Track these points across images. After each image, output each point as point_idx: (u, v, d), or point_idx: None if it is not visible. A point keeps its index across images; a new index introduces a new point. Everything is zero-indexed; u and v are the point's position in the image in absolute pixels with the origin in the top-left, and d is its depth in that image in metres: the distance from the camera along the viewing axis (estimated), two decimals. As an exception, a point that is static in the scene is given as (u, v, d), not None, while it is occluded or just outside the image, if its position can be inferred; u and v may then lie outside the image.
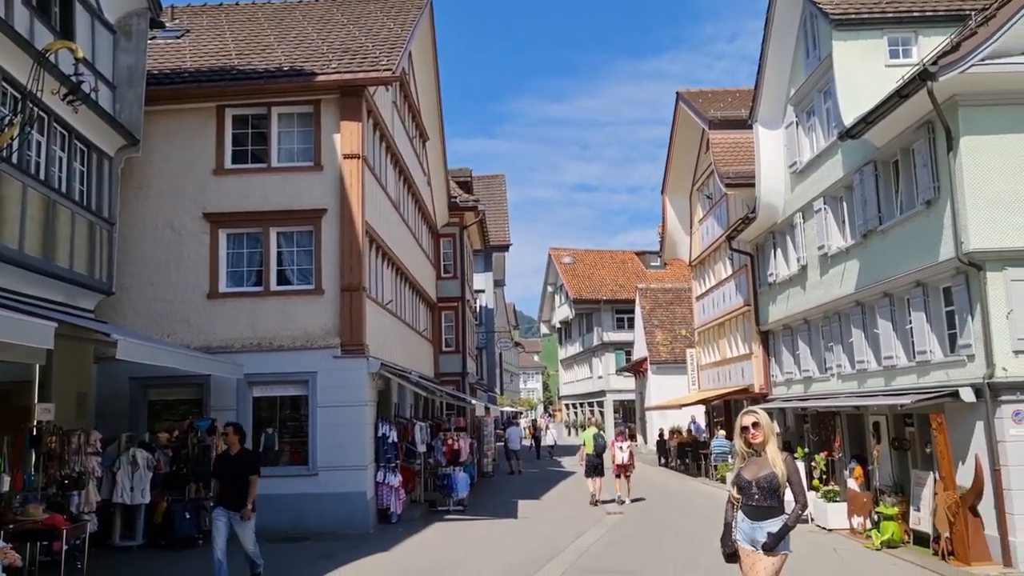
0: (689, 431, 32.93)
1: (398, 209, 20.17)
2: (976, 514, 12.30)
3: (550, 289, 59.81)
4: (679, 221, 31.75)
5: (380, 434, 16.07)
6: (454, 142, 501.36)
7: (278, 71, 16.08)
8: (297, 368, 15.36)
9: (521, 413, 59.28)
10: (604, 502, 19.63)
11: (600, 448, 20.15)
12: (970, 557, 12.00)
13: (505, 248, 39.13)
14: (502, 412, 42.62)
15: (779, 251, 21.36)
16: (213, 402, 15.19)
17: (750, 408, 6.53)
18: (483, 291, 36.88)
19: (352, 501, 15.00)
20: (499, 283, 44.15)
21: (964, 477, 12.68)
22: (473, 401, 26.28)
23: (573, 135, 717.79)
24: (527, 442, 40.16)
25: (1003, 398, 12.03)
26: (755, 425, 6.26)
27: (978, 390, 12.29)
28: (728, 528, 6.34)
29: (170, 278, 15.61)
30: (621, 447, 20.14)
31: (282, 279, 15.90)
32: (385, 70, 15.99)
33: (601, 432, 21.20)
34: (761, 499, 6.13)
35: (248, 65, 16.49)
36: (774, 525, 6.08)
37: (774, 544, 6.03)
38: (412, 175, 21.99)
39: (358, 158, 15.80)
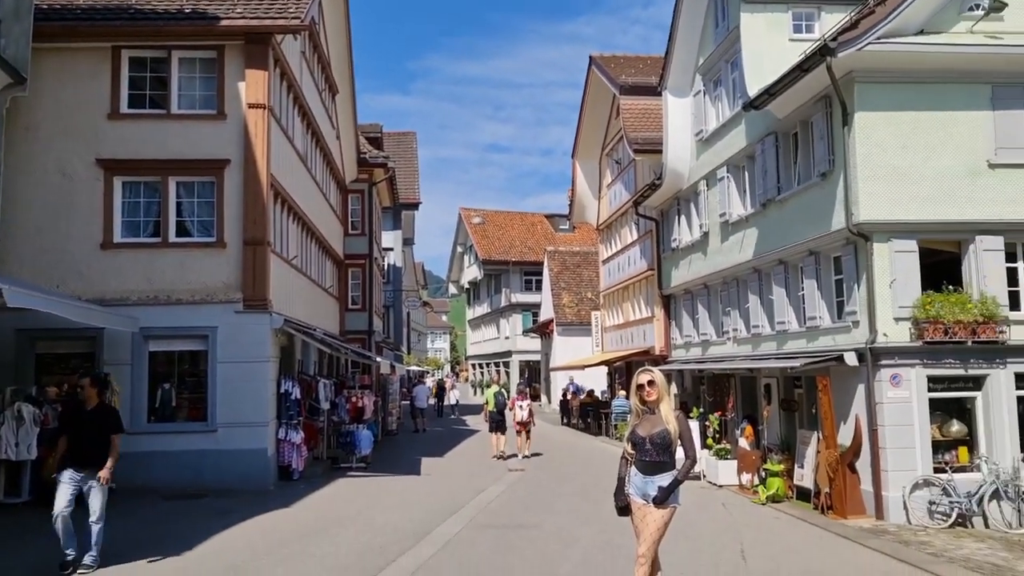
0: (574, 392, 33.74)
1: (305, 163, 19.71)
2: (854, 471, 13.07)
3: (459, 249, 59.77)
4: (588, 185, 32.10)
5: (283, 391, 15.88)
6: (365, 97, 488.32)
7: (179, 13, 15.36)
8: (196, 323, 14.95)
9: (428, 372, 59.35)
10: (507, 456, 20.34)
11: (501, 405, 21.36)
12: (847, 511, 12.77)
13: (415, 206, 38.82)
14: (408, 371, 42.59)
15: (683, 217, 21.89)
16: (107, 356, 14.66)
17: (646, 367, 6.70)
18: (391, 249, 36.57)
19: (253, 458, 14.80)
20: (408, 242, 43.82)
21: (845, 436, 13.44)
22: (378, 359, 26.17)
23: (487, 95, 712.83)
24: (433, 401, 40.34)
25: (883, 362, 12.75)
26: (650, 383, 6.44)
27: (861, 355, 12.99)
28: (621, 483, 6.50)
29: (60, 226, 14.89)
30: (521, 405, 20.92)
31: (181, 231, 15.36)
32: (294, 18, 15.48)
33: (503, 390, 22.33)
34: (654, 455, 6.32)
35: (147, 4, 15.68)
36: (665, 479, 6.31)
37: (664, 497, 6.26)
38: (320, 129, 21.50)
39: (264, 108, 15.33)
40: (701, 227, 20.22)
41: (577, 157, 31.84)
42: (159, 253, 15.09)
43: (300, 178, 18.93)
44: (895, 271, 12.87)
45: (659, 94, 22.05)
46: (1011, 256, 13.26)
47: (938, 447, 12.94)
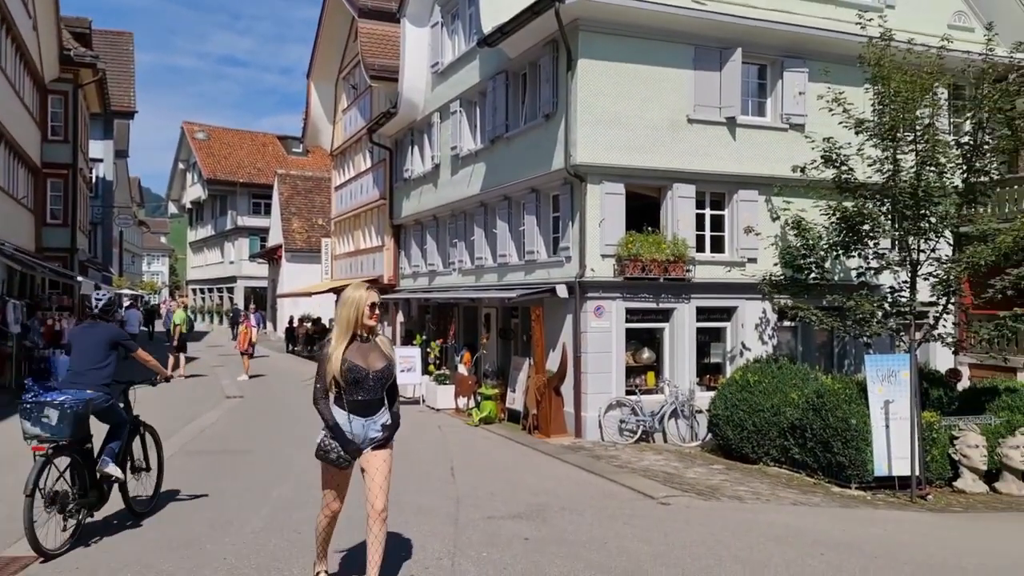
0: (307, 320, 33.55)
1: (-8, 52, 17.24)
2: (559, 394, 14.18)
3: (181, 166, 55.67)
4: (323, 108, 31.19)
5: (-41, 310, 14.07)
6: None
7: None
8: None
9: (141, 297, 55.20)
10: (193, 376, 21.87)
11: (190, 326, 23.22)
12: (551, 430, 13.87)
13: (130, 115, 35.41)
14: (118, 294, 39.37)
15: (416, 148, 22.02)
16: None
17: (371, 285, 5.55)
18: (101, 161, 33.27)
19: (-80, 385, 13.06)
20: (121, 154, 40.03)
21: (554, 363, 14.50)
22: (81, 280, 23.90)
23: (223, 1, 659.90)
24: (147, 327, 37.84)
25: (589, 295, 13.85)
26: (378, 306, 5.38)
27: (571, 287, 14.00)
28: (341, 429, 5.18)
29: None
30: (253, 328, 21.88)
31: None
32: None
33: (189, 315, 24.40)
34: (374, 392, 5.24)
35: None
36: (385, 416, 5.33)
37: (392, 435, 5.36)
38: (12, 15, 18.84)
39: (-64, -18, 13.14)
40: (433, 159, 20.48)
41: (313, 78, 30.71)
42: None
43: (-15, 70, 16.54)
44: (604, 211, 13.93)
45: (398, 21, 21.79)
46: (700, 203, 14.85)
47: (631, 372, 14.39)
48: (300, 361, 29.39)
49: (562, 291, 14.05)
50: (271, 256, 41.71)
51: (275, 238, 40.76)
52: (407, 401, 17.47)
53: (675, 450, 13.40)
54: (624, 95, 14.04)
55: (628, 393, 14.11)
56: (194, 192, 52.89)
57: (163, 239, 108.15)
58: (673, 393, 14.19)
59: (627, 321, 14.19)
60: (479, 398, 15.65)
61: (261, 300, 45.78)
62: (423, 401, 17.54)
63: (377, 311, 5.32)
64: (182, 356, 22.01)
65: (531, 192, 15.62)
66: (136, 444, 7.79)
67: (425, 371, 18.28)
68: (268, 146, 51.13)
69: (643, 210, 14.78)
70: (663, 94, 14.31)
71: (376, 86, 23.83)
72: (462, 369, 16.85)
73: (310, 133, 32.28)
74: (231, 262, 48.37)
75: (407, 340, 21.41)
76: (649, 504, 8.88)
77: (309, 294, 31.39)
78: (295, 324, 34.15)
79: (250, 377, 21.66)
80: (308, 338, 31.20)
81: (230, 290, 48.74)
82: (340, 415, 5.20)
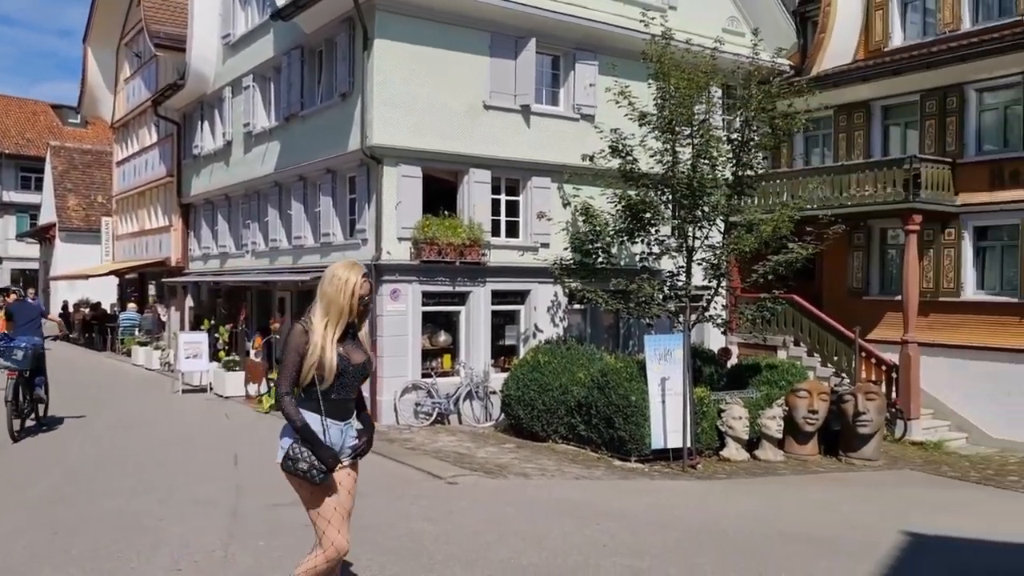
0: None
1: None
2: (354, 378, 13.98)
3: (-66, 133, 49.58)
4: (103, 76, 28.85)
5: None
6: None
7: None
8: None
9: None
10: None
11: None
12: (345, 415, 13.65)
13: None
14: None
15: (207, 124, 20.91)
16: None
17: (366, 273, 4.31)
18: None
19: None
20: None
21: (348, 346, 14.26)
22: None
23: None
24: None
25: (386, 278, 13.74)
26: (366, 305, 4.30)
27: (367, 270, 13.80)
28: (312, 431, 4.08)
29: None
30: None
31: None
32: None
33: None
34: (350, 391, 4.24)
35: None
36: (356, 421, 4.38)
37: (371, 440, 4.40)
38: None
39: None
40: (225, 135, 19.53)
41: (90, 42, 28.30)
42: None
43: None
44: (401, 194, 13.86)
45: (186, -13, 20.54)
46: (496, 189, 15.11)
47: (427, 355, 14.45)
48: (77, 349, 27.18)
49: (358, 274, 13.83)
50: (43, 235, 38.22)
51: (47, 216, 37.32)
52: (193, 389, 16.64)
53: (469, 431, 13.61)
54: (422, 78, 13.98)
55: (424, 376, 14.17)
56: (-50, 163, 47.31)
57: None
58: (468, 375, 14.40)
59: (424, 304, 14.21)
60: (271, 384, 15.14)
61: (32, 283, 41.80)
62: (211, 389, 16.71)
63: (364, 309, 4.26)
64: None
65: (327, 173, 15.27)
66: None
67: (214, 357, 17.45)
68: (40, 115, 46.57)
69: (441, 194, 14.84)
70: (460, 79, 14.38)
71: (162, 55, 22.33)
72: (253, 355, 16.24)
73: (87, 102, 29.77)
74: (-4, 242, 43.79)
75: (196, 325, 20.34)
76: (437, 484, 8.97)
77: (87, 277, 29.04)
78: (71, 310, 31.55)
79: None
80: (86, 324, 28.95)
81: (-5, 272, 44.10)
82: (311, 418, 4.10)
